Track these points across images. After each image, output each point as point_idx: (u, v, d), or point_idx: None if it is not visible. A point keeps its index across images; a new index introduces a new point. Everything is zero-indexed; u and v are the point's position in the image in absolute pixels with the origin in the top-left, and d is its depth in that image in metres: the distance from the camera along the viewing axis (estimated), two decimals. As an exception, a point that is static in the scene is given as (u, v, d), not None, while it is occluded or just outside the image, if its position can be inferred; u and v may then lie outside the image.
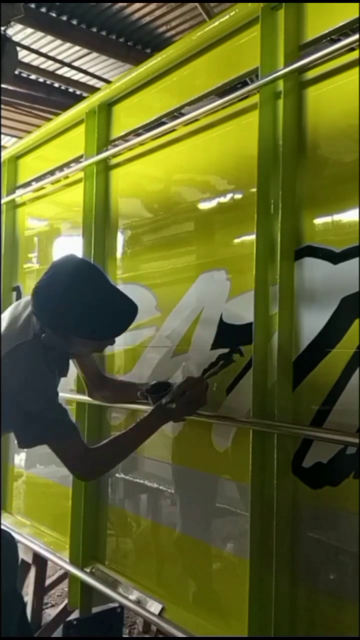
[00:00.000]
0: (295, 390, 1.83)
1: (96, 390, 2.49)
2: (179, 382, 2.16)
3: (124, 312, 2.04)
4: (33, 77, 6.28)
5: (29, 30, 5.29)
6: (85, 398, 2.57)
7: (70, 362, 2.35)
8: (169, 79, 2.44)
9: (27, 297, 2.26)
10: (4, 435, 2.50)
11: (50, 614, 3.11)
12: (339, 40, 1.75)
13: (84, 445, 2.10)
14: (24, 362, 2.02)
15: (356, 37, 1.67)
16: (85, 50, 5.69)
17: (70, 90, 6.43)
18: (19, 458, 3.41)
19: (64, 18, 5.21)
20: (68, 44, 5.57)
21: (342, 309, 1.71)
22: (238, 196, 2.15)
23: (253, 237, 1.93)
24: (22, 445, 2.14)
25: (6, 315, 2.23)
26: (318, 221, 1.83)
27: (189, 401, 2.04)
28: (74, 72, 6.06)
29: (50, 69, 6.06)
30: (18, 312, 2.18)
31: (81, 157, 2.87)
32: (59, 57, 5.85)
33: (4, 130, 7.03)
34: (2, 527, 2.45)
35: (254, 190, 1.94)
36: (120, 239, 2.70)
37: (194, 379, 2.08)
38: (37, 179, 3.35)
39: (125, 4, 5.01)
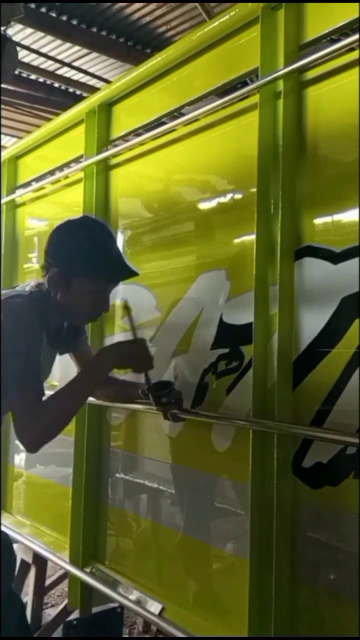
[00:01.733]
0: (295, 390, 1.83)
1: (97, 388, 2.49)
2: (178, 380, 2.18)
3: (126, 267, 2.10)
4: (33, 77, 6.28)
5: (29, 30, 5.29)
6: (85, 398, 2.57)
7: (71, 361, 2.35)
8: (169, 79, 2.44)
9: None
10: (4, 434, 2.50)
11: (50, 614, 3.10)
12: (339, 40, 1.75)
13: (38, 401, 1.94)
14: (13, 310, 1.97)
15: (356, 37, 1.67)
16: (85, 50, 5.69)
17: (70, 90, 6.43)
18: (19, 458, 3.41)
19: (64, 18, 5.22)
20: (68, 44, 5.57)
21: (342, 309, 1.71)
22: (238, 196, 2.15)
23: (253, 237, 1.93)
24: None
25: None
26: (318, 221, 1.83)
27: (135, 351, 2.09)
28: (74, 72, 6.06)
29: (50, 69, 6.06)
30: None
31: (81, 157, 2.87)
32: (59, 57, 5.86)
33: (4, 130, 7.03)
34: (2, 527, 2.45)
35: (254, 190, 1.94)
36: (120, 239, 2.70)
37: (143, 339, 2.13)
38: (37, 179, 3.35)
39: (125, 4, 5.02)
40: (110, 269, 2.09)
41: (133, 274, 2.11)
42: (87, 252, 2.05)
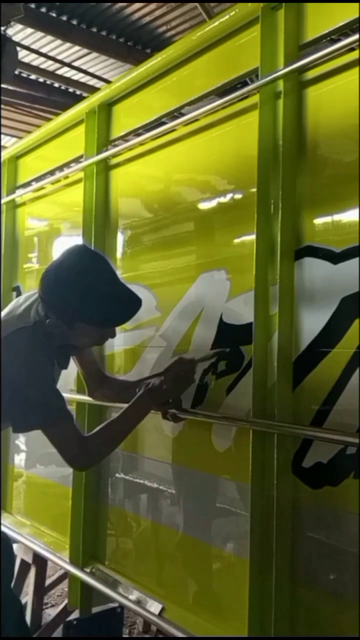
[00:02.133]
0: (295, 390, 1.83)
1: (96, 389, 2.49)
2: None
3: (129, 301, 2.05)
4: (33, 77, 6.28)
5: (29, 30, 5.29)
6: (85, 398, 2.57)
7: (71, 360, 2.35)
8: (169, 79, 2.44)
9: (28, 292, 2.27)
10: (4, 434, 2.50)
11: (50, 614, 3.10)
12: (339, 40, 1.74)
13: (80, 433, 2.09)
14: (22, 346, 2.00)
15: (356, 37, 1.66)
16: (85, 50, 5.69)
17: (70, 90, 6.43)
18: (19, 458, 3.41)
19: (64, 18, 5.22)
20: (68, 44, 5.57)
21: (342, 309, 1.71)
22: (238, 196, 2.15)
23: (253, 237, 1.93)
24: (17, 430, 2.13)
25: (6, 309, 2.24)
26: (318, 221, 1.83)
27: (177, 379, 2.07)
28: (74, 72, 6.07)
29: (50, 69, 6.07)
30: (19, 304, 2.18)
31: (81, 157, 2.87)
32: (59, 57, 5.86)
33: (4, 130, 7.03)
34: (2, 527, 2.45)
35: (254, 190, 1.94)
36: (120, 239, 2.70)
37: (182, 358, 2.12)
38: (37, 179, 3.35)
39: (125, 4, 5.02)
40: (112, 315, 2.04)
41: (137, 309, 2.05)
42: (84, 300, 1.97)
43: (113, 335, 2.13)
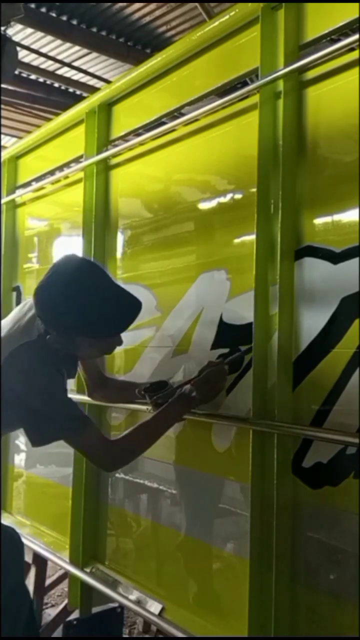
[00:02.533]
0: (295, 390, 1.83)
1: (96, 389, 2.49)
2: (177, 380, 2.18)
3: (127, 306, 2.01)
4: (33, 77, 6.28)
5: (29, 30, 5.29)
6: (85, 398, 2.57)
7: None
8: (169, 79, 2.44)
9: (32, 299, 2.25)
10: (4, 435, 2.50)
11: (50, 614, 3.11)
12: (339, 40, 1.75)
13: (103, 436, 2.08)
14: (30, 361, 1.98)
15: (356, 37, 1.67)
16: (85, 50, 5.69)
17: (70, 90, 6.43)
18: (19, 458, 3.41)
19: (64, 18, 5.22)
20: (68, 44, 5.57)
21: (342, 309, 1.71)
22: (238, 196, 2.15)
23: (253, 237, 1.93)
24: (36, 444, 2.08)
25: (10, 316, 2.22)
26: (318, 221, 1.83)
27: (208, 384, 2.02)
28: (74, 72, 6.06)
29: (50, 69, 6.06)
30: (22, 313, 2.15)
31: (81, 157, 2.87)
32: (59, 57, 5.86)
33: (4, 130, 7.03)
34: (5, 525, 2.43)
35: (254, 190, 1.94)
36: (120, 239, 2.70)
37: (213, 362, 2.06)
38: (37, 179, 3.35)
39: (125, 4, 5.02)
40: (112, 324, 2.00)
41: (136, 314, 2.01)
42: (80, 315, 1.93)
43: (119, 342, 2.08)
